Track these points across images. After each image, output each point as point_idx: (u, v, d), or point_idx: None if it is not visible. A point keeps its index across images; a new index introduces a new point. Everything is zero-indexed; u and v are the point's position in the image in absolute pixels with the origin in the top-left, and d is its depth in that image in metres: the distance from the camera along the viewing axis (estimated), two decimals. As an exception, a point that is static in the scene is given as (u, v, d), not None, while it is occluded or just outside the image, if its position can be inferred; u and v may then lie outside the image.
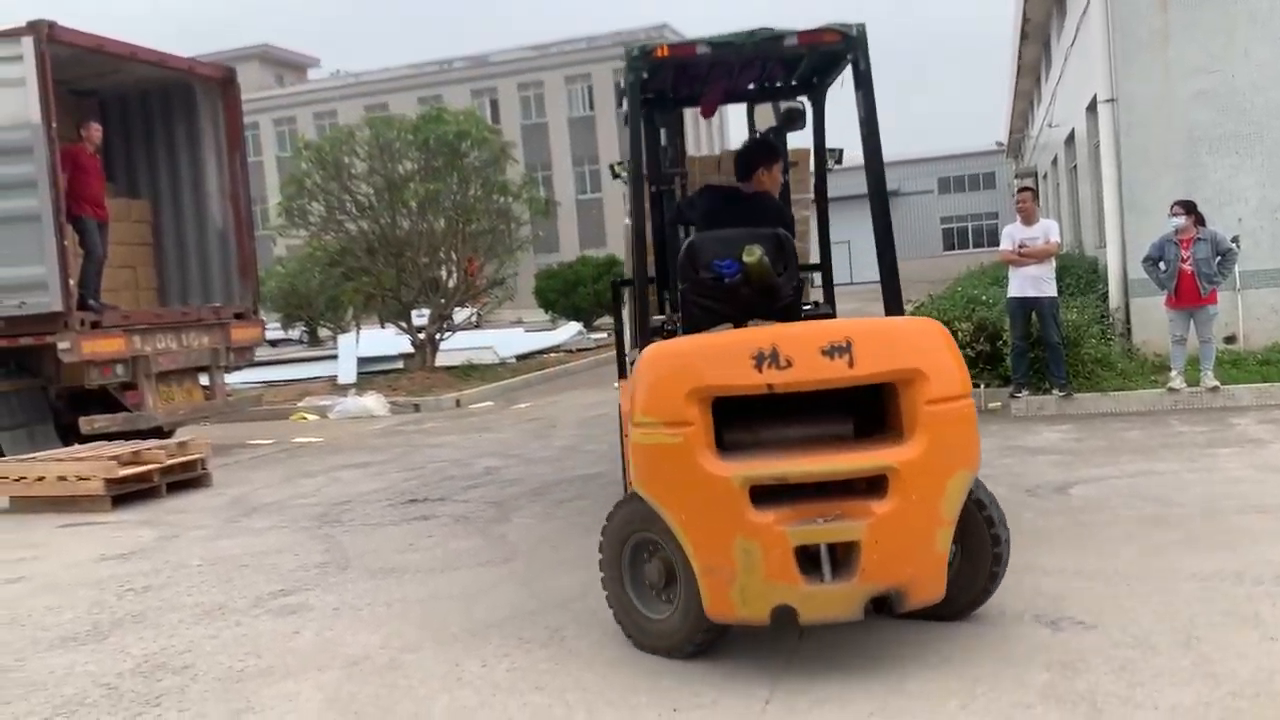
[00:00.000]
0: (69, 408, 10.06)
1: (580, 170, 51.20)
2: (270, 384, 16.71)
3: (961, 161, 55.09)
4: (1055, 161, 22.35)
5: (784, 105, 5.15)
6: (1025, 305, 9.03)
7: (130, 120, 11.58)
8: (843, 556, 3.46)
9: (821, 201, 5.54)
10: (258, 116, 53.06)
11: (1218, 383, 8.78)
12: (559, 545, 5.66)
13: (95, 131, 10.08)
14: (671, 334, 4.85)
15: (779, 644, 3.85)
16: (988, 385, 9.60)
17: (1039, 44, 23.76)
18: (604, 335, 23.45)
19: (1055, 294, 9.06)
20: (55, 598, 5.36)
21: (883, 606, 3.51)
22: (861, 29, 4.30)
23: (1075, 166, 18.19)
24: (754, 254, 4.36)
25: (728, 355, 3.61)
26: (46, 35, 8.92)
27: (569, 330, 22.80)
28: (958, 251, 51.13)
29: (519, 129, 50.19)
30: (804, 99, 5.21)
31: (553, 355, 19.64)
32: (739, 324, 4.41)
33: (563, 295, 26.01)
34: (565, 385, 15.36)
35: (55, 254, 8.92)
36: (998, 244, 10.07)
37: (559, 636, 4.17)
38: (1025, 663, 3.56)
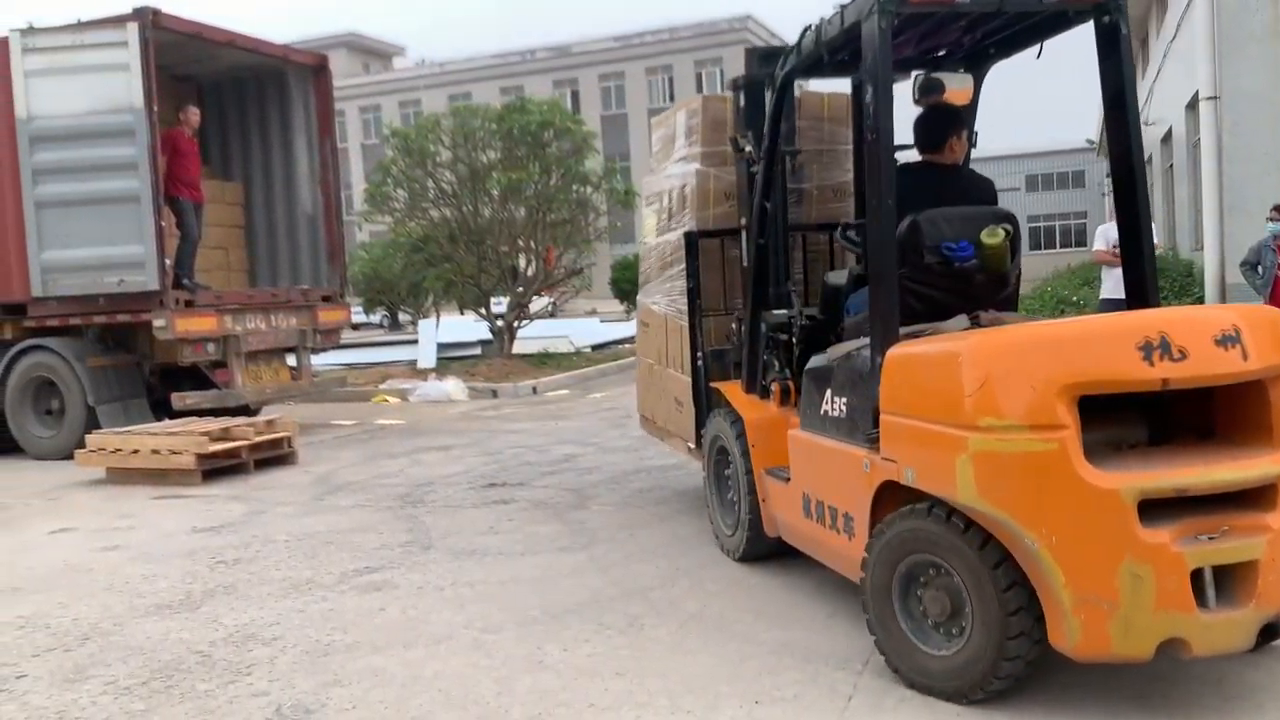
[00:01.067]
0: (162, 384, 10.38)
1: (659, 162, 51.21)
2: (352, 366, 17.02)
3: (1050, 159, 53.87)
4: (1150, 160, 21.75)
5: (922, 76, 4.63)
6: (1119, 307, 8.75)
7: (225, 105, 11.89)
8: (1230, 579, 3.02)
9: None
10: (344, 104, 54.02)
11: None
12: (637, 534, 5.68)
13: (194, 115, 10.38)
14: (806, 330, 4.63)
15: (865, 640, 3.82)
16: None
17: (1137, 40, 23.12)
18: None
19: (1150, 296, 8.80)
20: (150, 566, 5.53)
21: (1267, 634, 3.09)
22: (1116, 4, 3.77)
23: (1171, 166, 17.67)
24: (997, 235, 3.89)
25: (1110, 343, 3.07)
26: (151, 22, 9.19)
27: (645, 321, 22.85)
28: (1044, 251, 50.02)
29: (599, 119, 50.36)
30: (965, 71, 4.67)
31: (627, 346, 19.67)
32: (972, 317, 3.78)
33: (638, 287, 26.03)
34: (641, 376, 15.35)
35: (153, 234, 9.19)
36: (1085, 244, 9.83)
37: (638, 624, 4.18)
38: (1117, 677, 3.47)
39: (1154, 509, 2.98)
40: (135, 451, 8.17)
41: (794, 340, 4.68)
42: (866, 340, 3.78)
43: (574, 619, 4.29)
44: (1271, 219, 8.59)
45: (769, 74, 4.86)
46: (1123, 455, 3.23)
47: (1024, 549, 3.06)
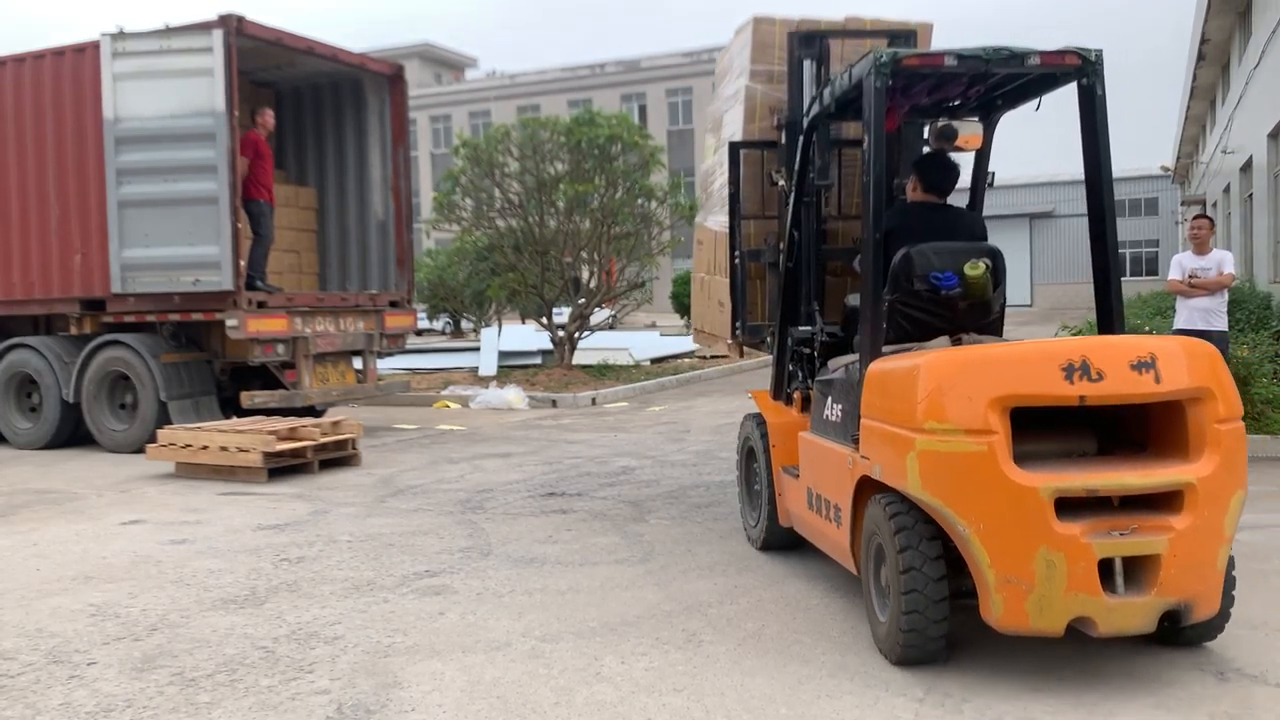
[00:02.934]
0: (231, 382, 10.61)
1: (724, 177, 51.18)
2: (415, 371, 17.23)
3: (1122, 185, 52.79)
4: (1228, 190, 21.25)
5: (939, 124, 5.11)
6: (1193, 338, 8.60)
7: (302, 111, 12.13)
8: (1138, 570, 3.53)
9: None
10: (415, 113, 54.87)
11: None
12: (695, 549, 5.66)
13: (270, 118, 10.61)
14: (826, 345, 5.07)
15: (926, 667, 3.77)
16: (1145, 419, 9.17)
17: (1217, 66, 22.65)
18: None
19: (1226, 328, 8.60)
20: (217, 561, 5.64)
21: (1172, 620, 3.61)
22: (1099, 54, 4.28)
23: (1251, 195, 17.24)
24: (978, 268, 4.35)
25: (1036, 364, 3.61)
26: (236, 28, 9.42)
27: (705, 337, 22.82)
28: (1112, 278, 49.06)
29: (665, 134, 50.52)
30: (977, 119, 5.17)
31: (686, 360, 19.66)
32: (955, 339, 4.40)
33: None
34: (698, 391, 15.36)
35: (229, 236, 9.40)
36: (1157, 273, 9.63)
37: (696, 640, 4.17)
38: (1188, 710, 3.39)
39: (1074, 506, 3.51)
40: (204, 448, 8.34)
41: (815, 354, 5.14)
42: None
43: (632, 632, 4.29)
44: None
45: (811, 55, 5.61)
46: (1061, 461, 3.74)
47: (958, 534, 3.61)
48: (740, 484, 6.02)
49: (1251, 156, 16.29)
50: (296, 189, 11.91)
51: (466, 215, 16.93)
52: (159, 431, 8.79)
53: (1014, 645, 3.90)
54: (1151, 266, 47.27)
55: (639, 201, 17.07)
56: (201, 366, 10.31)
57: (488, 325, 20.67)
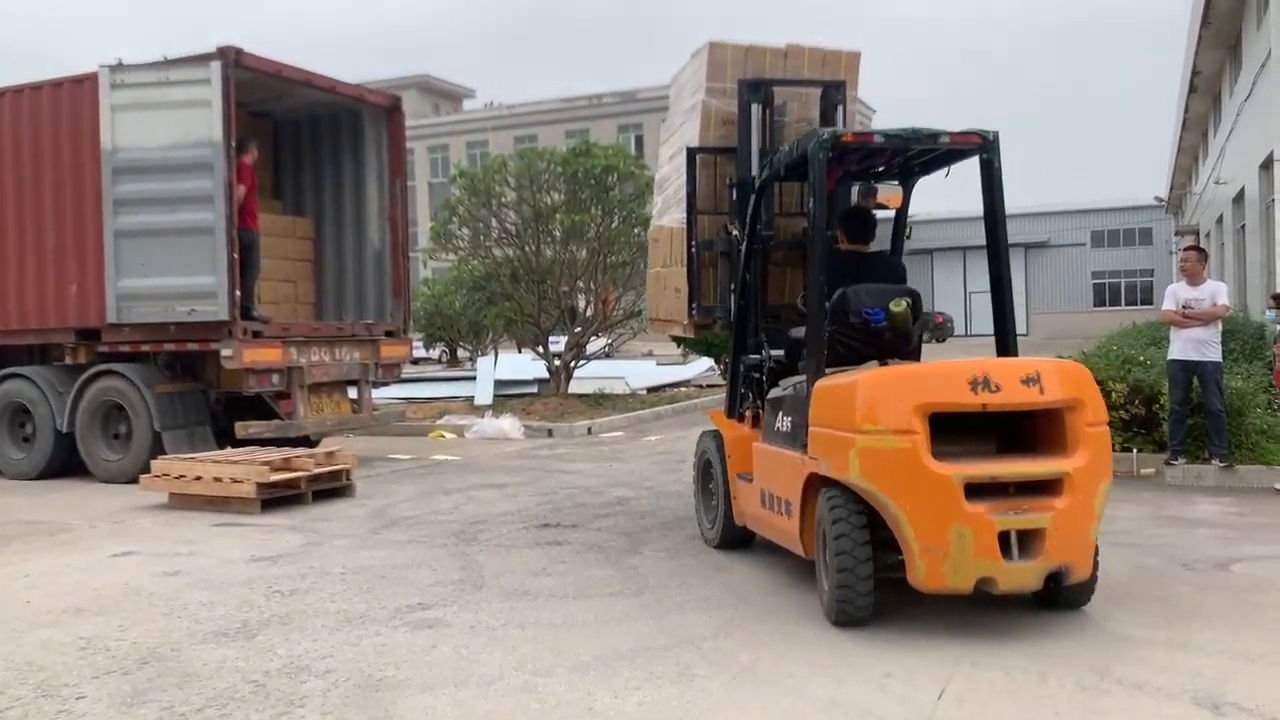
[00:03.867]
0: (226, 412, 10.60)
1: (720, 207, 51.37)
2: (411, 400, 17.21)
3: (1117, 215, 53.14)
4: (1220, 220, 21.38)
5: (864, 186, 6.28)
6: (1187, 369, 8.63)
7: (300, 141, 12.18)
8: (1029, 540, 4.41)
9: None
10: (413, 143, 55.03)
11: None
12: (690, 581, 5.64)
13: (255, 149, 10.61)
14: (773, 370, 5.97)
15: (921, 700, 3.75)
16: (1141, 450, 9.18)
17: (1208, 98, 22.85)
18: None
19: (1220, 359, 8.63)
20: (209, 593, 5.61)
21: (1055, 580, 4.50)
22: (996, 135, 5.30)
23: (1243, 226, 17.34)
24: (901, 305, 5.29)
25: (949, 379, 4.60)
26: (234, 61, 9.48)
27: (699, 366, 22.72)
28: (1109, 308, 49.24)
29: (663, 164, 50.78)
30: (897, 182, 6.29)
31: (682, 390, 19.67)
32: (882, 362, 5.34)
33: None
34: (694, 420, 15.31)
35: (225, 266, 9.42)
36: (1151, 302, 9.65)
37: (690, 674, 4.14)
38: (1184, 747, 3.37)
39: (979, 491, 4.40)
40: (198, 478, 8.32)
41: (764, 378, 6.04)
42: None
43: (625, 666, 4.27)
44: (1270, 307, 8.47)
45: (758, 99, 6.54)
46: (968, 456, 4.55)
47: (889, 514, 4.49)
48: (697, 494, 6.85)
49: (1244, 187, 16.40)
50: (294, 219, 11.94)
51: (463, 244, 16.99)
52: (153, 462, 8.77)
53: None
54: (1146, 296, 47.40)
55: (635, 231, 17.13)
56: (196, 396, 10.30)
57: (484, 354, 20.66)
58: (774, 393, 5.73)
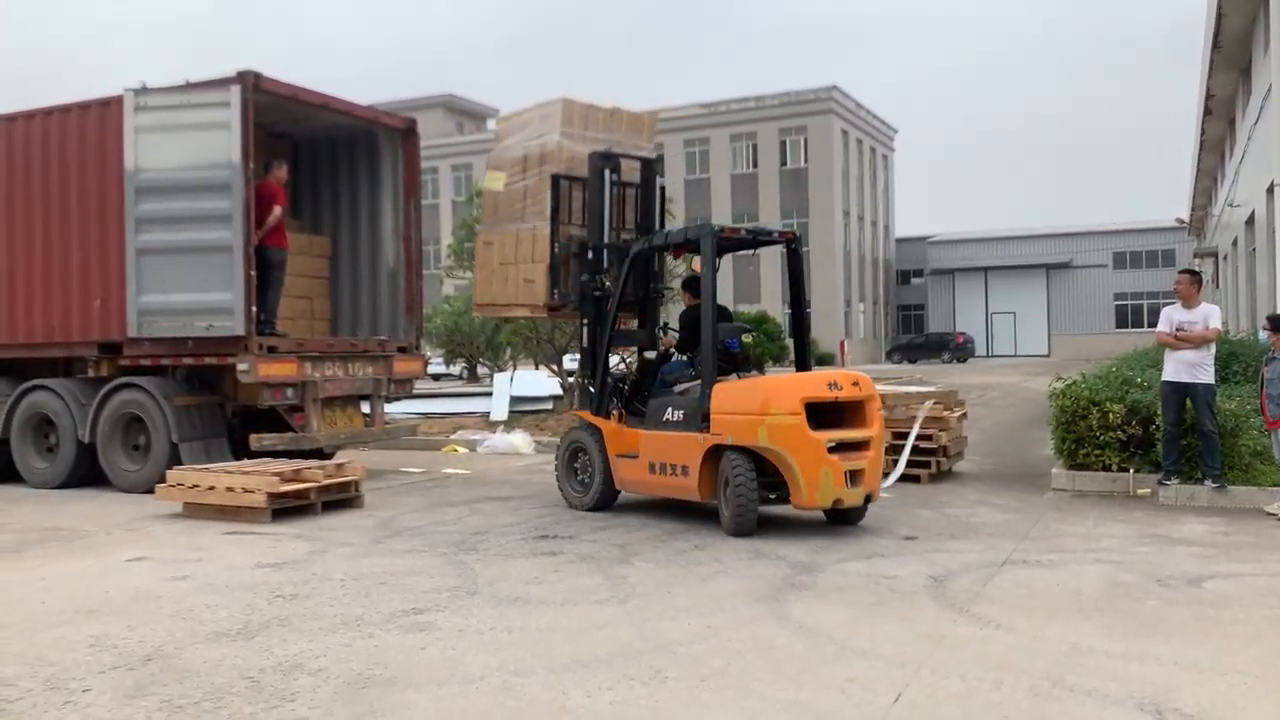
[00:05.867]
0: (242, 424, 10.88)
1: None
2: (428, 415, 17.49)
3: (1139, 236, 53.02)
4: (1235, 243, 21.39)
5: (692, 261, 9.55)
6: (1179, 390, 8.76)
7: (318, 162, 12.53)
8: (857, 476, 7.34)
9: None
10: (437, 161, 55.77)
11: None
12: (674, 590, 5.85)
13: (284, 171, 10.96)
14: (634, 385, 8.84)
15: (879, 704, 3.93)
16: (1137, 470, 9.29)
17: (1223, 120, 22.89)
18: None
19: (1211, 381, 8.75)
20: (214, 597, 5.87)
21: (868, 500, 7.59)
22: (799, 234, 8.73)
23: (1255, 250, 17.39)
24: (748, 338, 8.42)
25: (816, 382, 7.58)
26: (253, 84, 9.82)
27: (716, 384, 23.01)
28: (1131, 330, 49.05)
29: (683, 183, 51.09)
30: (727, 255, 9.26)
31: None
32: (740, 375, 8.19)
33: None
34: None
35: (242, 282, 9.73)
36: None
37: (661, 677, 4.34)
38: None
39: (835, 448, 7.23)
40: (211, 488, 8.60)
41: (625, 388, 8.81)
42: (695, 382, 7.97)
43: (601, 668, 4.47)
44: (1265, 329, 8.69)
45: (609, 165, 9.15)
46: (827, 428, 7.34)
47: (785, 463, 7.24)
48: (563, 474, 8.93)
49: (1254, 211, 16.45)
50: (311, 237, 12.27)
51: (481, 263, 17.26)
52: (168, 472, 9.06)
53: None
54: (1168, 318, 47.06)
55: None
56: (213, 409, 10.59)
57: (502, 370, 20.94)
58: (659, 397, 8.26)
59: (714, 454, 7.54)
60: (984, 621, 5.11)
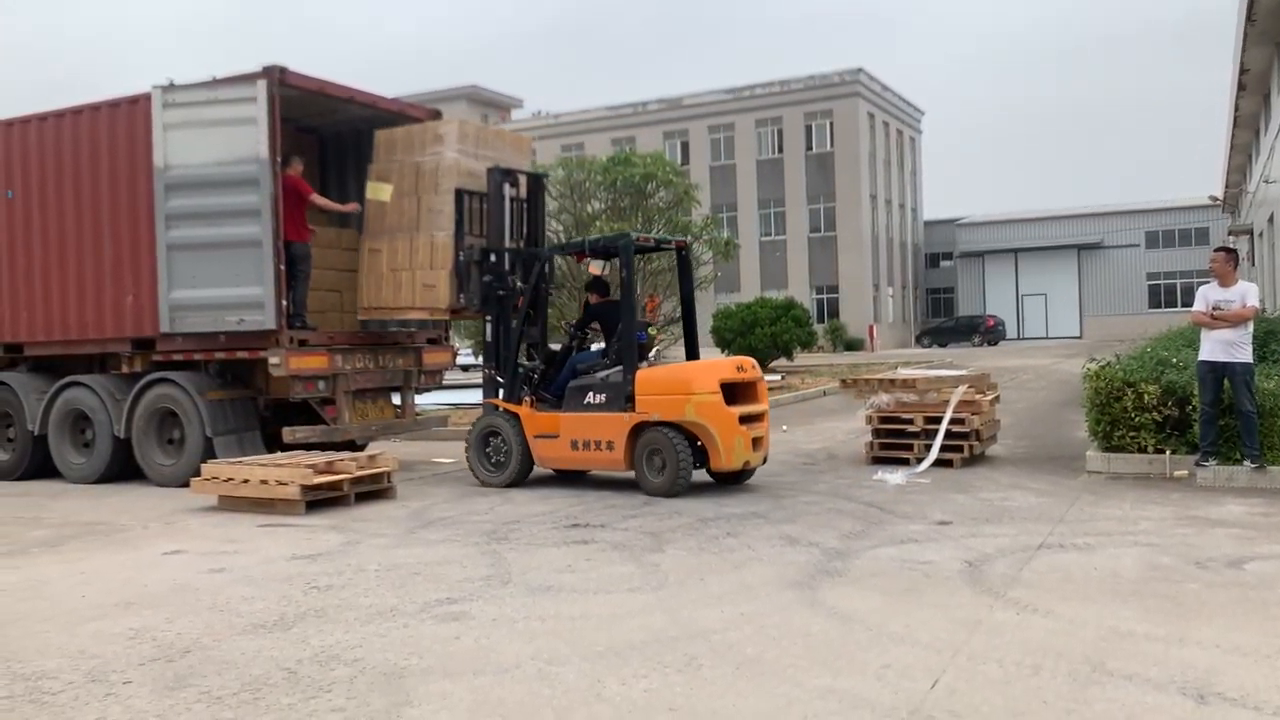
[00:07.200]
0: (274, 418, 10.97)
1: (765, 212, 51.46)
2: (458, 406, 17.53)
3: (1172, 215, 52.33)
4: (1271, 219, 21.05)
5: (605, 264, 10.31)
6: (1216, 370, 8.63)
7: (345, 155, 12.54)
8: (759, 443, 8.92)
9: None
10: (462, 152, 55.75)
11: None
12: (707, 578, 5.83)
13: (299, 162, 10.99)
14: (542, 374, 9.80)
15: (915, 689, 3.91)
16: (1174, 452, 9.17)
17: (1258, 95, 22.50)
18: (777, 377, 23.45)
19: (1249, 360, 8.61)
20: (250, 589, 5.91)
21: (763, 461, 9.26)
22: (687, 244, 10.49)
23: (1291, 226, 17.08)
24: (653, 330, 10.29)
25: (729, 366, 9.02)
26: (279, 79, 9.86)
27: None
28: (1164, 310, 48.46)
29: (707, 170, 50.93)
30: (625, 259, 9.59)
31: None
32: (650, 363, 9.55)
33: (739, 335, 26.18)
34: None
35: (272, 277, 9.79)
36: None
37: (695, 664, 4.34)
38: (1164, 734, 3.49)
39: (743, 419, 8.69)
40: (245, 481, 8.67)
41: (535, 378, 9.71)
42: (616, 368, 9.12)
43: (635, 656, 4.47)
44: None
45: (509, 180, 10.35)
46: (739, 403, 8.83)
47: (708, 434, 8.64)
48: (475, 456, 9.84)
49: (1291, 187, 16.16)
50: (339, 231, 12.28)
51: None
52: (203, 466, 9.14)
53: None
54: (1203, 297, 46.47)
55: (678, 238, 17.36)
56: (246, 403, 10.68)
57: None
58: (577, 382, 9.31)
59: (636, 431, 8.78)
60: (1021, 606, 5.07)
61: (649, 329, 9.53)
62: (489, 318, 10.07)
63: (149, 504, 9.33)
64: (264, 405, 10.88)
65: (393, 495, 9.18)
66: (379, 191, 10.55)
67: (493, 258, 9.96)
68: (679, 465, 8.53)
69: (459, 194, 10.06)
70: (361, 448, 11.47)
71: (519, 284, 9.96)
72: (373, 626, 5.06)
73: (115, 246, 10.66)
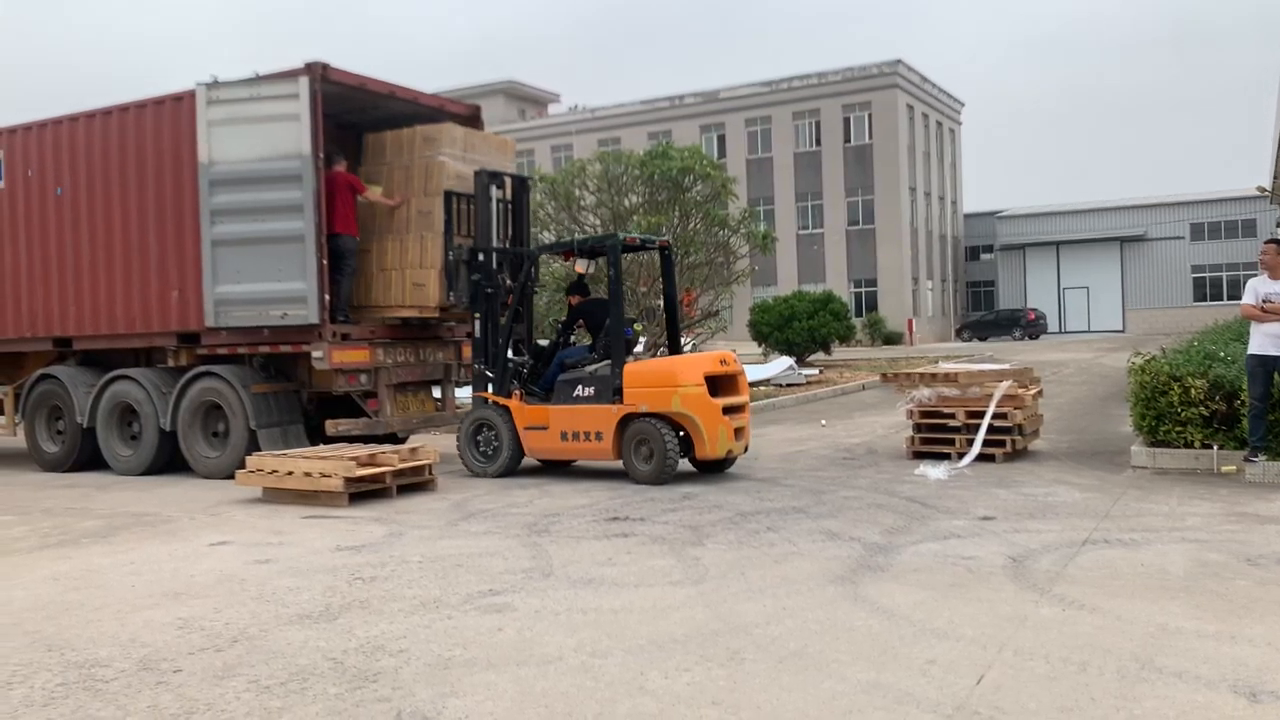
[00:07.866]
0: (317, 410, 11.09)
1: (803, 205, 51.20)
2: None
3: (1218, 206, 51.46)
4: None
5: (590, 263, 10.58)
6: (1266, 364, 8.49)
7: (385, 151, 12.62)
8: (740, 433, 9.31)
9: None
10: (499, 147, 55.94)
11: None
12: (748, 572, 5.82)
13: (343, 160, 11.10)
14: (530, 369, 10.28)
15: (960, 685, 3.88)
16: (1222, 447, 9.04)
17: (1308, 83, 22.01)
18: (815, 371, 23.34)
19: (1301, 354, 8.45)
20: (296, 580, 5.99)
21: (745, 450, 9.74)
22: (670, 244, 10.63)
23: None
24: (639, 327, 11.21)
25: (711, 360, 9.42)
26: (321, 75, 9.94)
27: (780, 364, 22.80)
28: (1210, 304, 47.75)
29: (744, 163, 50.76)
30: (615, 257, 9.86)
31: (761, 389, 19.74)
32: (636, 358, 9.92)
33: (776, 329, 26.09)
34: (771, 419, 15.47)
35: (315, 271, 9.89)
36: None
37: (739, 658, 4.33)
38: (1215, 732, 3.45)
39: (727, 410, 9.16)
40: (289, 473, 8.77)
41: (524, 373, 10.16)
42: (605, 363, 9.54)
43: (678, 649, 4.47)
44: None
45: (496, 183, 10.76)
46: (721, 395, 9.23)
47: (694, 424, 9.07)
48: (468, 448, 10.13)
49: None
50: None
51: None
52: (247, 458, 9.26)
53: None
54: (1250, 290, 45.69)
55: (715, 231, 17.32)
56: (289, 396, 10.81)
57: (566, 354, 20.99)
58: (567, 376, 9.69)
59: (624, 422, 9.19)
60: (1067, 602, 5.02)
61: (634, 325, 10.11)
62: (477, 315, 10.31)
63: (195, 496, 9.47)
64: (307, 398, 11.00)
65: (434, 487, 9.26)
66: (371, 190, 10.91)
67: (480, 257, 10.30)
68: (665, 454, 8.96)
69: (447, 196, 10.47)
70: (403, 440, 11.57)
71: (507, 282, 10.42)
72: (417, 618, 5.11)
73: (161, 242, 10.82)
